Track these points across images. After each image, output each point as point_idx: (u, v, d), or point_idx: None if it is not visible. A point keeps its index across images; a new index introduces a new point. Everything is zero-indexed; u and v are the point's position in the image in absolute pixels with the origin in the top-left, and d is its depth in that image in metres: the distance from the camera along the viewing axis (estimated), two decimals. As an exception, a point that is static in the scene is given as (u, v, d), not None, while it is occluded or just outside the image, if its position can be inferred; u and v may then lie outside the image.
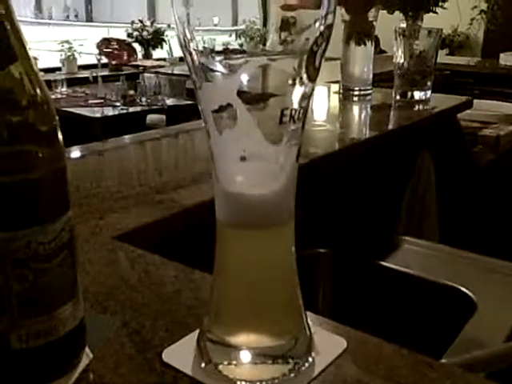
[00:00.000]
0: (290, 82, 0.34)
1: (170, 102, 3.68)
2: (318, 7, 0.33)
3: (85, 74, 4.22)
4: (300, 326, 0.40)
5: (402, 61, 1.43)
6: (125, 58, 4.70)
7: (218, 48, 0.34)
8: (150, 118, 3.48)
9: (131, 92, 3.68)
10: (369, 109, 1.43)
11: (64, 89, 3.83)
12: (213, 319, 0.40)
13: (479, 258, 0.95)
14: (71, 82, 3.97)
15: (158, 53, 5.07)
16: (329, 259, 0.97)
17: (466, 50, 4.75)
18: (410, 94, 1.43)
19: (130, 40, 4.91)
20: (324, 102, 1.55)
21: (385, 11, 1.72)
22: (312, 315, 0.45)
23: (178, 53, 4.31)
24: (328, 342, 0.42)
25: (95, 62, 4.53)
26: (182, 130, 1.19)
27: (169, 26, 4.64)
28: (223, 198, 0.38)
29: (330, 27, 0.33)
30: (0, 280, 0.34)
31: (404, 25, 1.83)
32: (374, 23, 1.45)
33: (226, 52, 0.34)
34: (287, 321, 0.40)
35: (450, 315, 0.83)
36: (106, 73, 4.29)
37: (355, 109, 1.46)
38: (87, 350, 0.41)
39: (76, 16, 15.27)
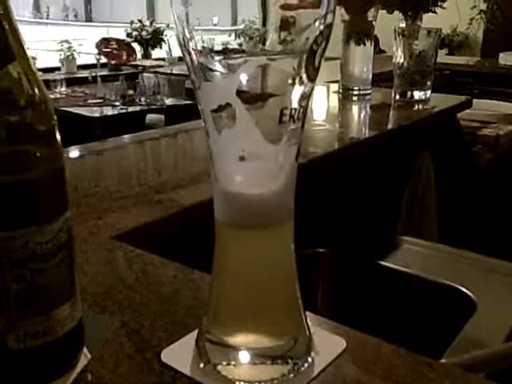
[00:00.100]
0: (290, 81, 0.34)
1: (169, 101, 3.67)
2: (317, 7, 0.33)
3: (84, 73, 4.22)
4: (299, 326, 0.40)
5: (401, 60, 1.43)
6: (124, 57, 4.70)
7: (217, 48, 0.34)
8: (149, 117, 3.48)
9: (130, 92, 3.68)
10: (368, 108, 1.43)
11: (63, 88, 3.82)
12: (211, 319, 0.40)
13: (479, 257, 0.94)
14: (70, 82, 3.97)
15: (157, 53, 5.07)
16: (328, 259, 0.97)
17: (465, 50, 4.75)
18: (409, 93, 1.43)
19: (129, 40, 4.91)
20: (323, 102, 1.55)
21: (384, 11, 1.72)
22: (311, 315, 0.45)
23: (177, 53, 4.31)
24: (327, 342, 0.42)
25: (94, 61, 4.53)
26: (181, 129, 1.19)
27: (168, 25, 4.64)
28: (222, 197, 0.38)
29: (329, 26, 0.33)
30: (-3, 280, 0.34)
31: (403, 25, 1.83)
32: (374, 23, 1.44)
33: (226, 52, 0.34)
34: (286, 321, 0.40)
35: (450, 315, 0.83)
36: (105, 72, 4.29)
37: (355, 108, 1.46)
38: (85, 350, 0.40)
39: (75, 16, 15.27)
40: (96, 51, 4.64)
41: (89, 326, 0.41)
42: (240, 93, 0.34)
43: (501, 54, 3.08)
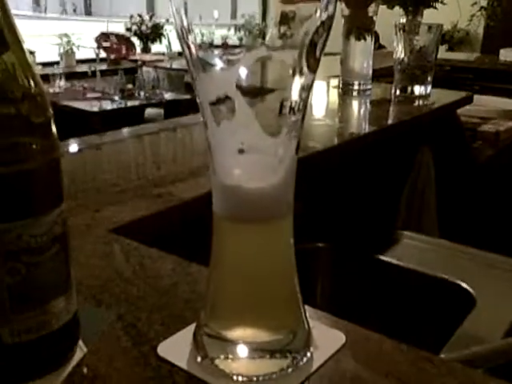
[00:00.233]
0: (290, 72, 0.33)
1: (168, 96, 3.67)
2: (317, 0, 0.33)
3: (83, 68, 4.21)
4: (298, 321, 0.40)
5: (402, 56, 1.42)
6: (123, 52, 4.69)
7: (217, 41, 0.34)
8: (148, 112, 3.47)
9: (129, 86, 3.67)
10: (368, 104, 1.42)
11: (62, 83, 3.81)
12: (209, 313, 0.39)
13: (479, 253, 0.94)
14: (69, 76, 3.96)
15: (156, 47, 5.06)
16: (328, 253, 0.97)
17: (465, 46, 4.74)
18: (410, 89, 1.42)
19: (128, 34, 4.89)
20: (323, 97, 1.54)
21: (384, 6, 1.71)
22: (310, 309, 0.44)
23: (176, 47, 4.30)
24: (326, 337, 0.42)
25: (94, 56, 4.51)
26: (180, 123, 1.18)
27: (167, 20, 4.62)
28: (220, 190, 0.37)
29: (331, 18, 0.33)
30: (-9, 273, 0.34)
31: (404, 20, 1.82)
32: (374, 18, 1.44)
33: (225, 46, 0.34)
34: (285, 315, 0.40)
35: (449, 310, 0.83)
36: (104, 67, 4.28)
37: (355, 104, 1.45)
38: (81, 343, 0.40)
39: (74, 10, 15.23)
40: (95, 45, 4.63)
41: (85, 319, 0.41)
42: (239, 84, 0.33)
43: (501, 51, 3.08)
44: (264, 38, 0.33)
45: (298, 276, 0.40)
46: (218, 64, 0.34)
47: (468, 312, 0.76)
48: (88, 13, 15.08)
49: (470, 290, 0.82)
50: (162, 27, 4.89)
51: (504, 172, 1.57)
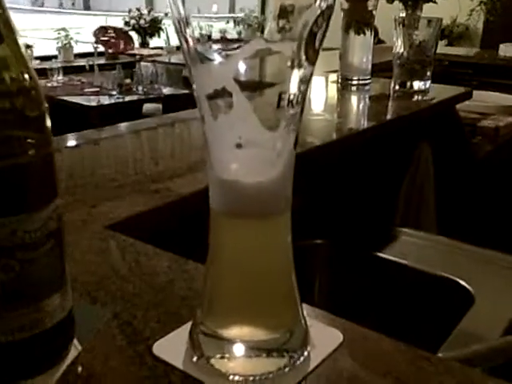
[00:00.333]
0: (289, 64, 0.33)
1: (166, 91, 3.65)
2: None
3: (81, 62, 4.19)
4: (296, 319, 0.39)
5: (401, 50, 1.41)
6: (121, 46, 4.67)
7: (215, 35, 0.33)
8: (147, 107, 3.46)
9: (127, 81, 3.66)
10: (367, 99, 1.42)
11: (60, 77, 3.79)
12: (205, 311, 0.38)
13: (477, 250, 0.94)
14: (67, 71, 3.94)
15: (155, 41, 5.04)
16: (326, 250, 0.97)
17: (465, 41, 4.73)
18: (409, 83, 1.41)
19: (126, 28, 4.87)
20: (322, 92, 1.54)
21: (384, 0, 1.70)
22: (308, 307, 0.44)
23: (175, 41, 4.28)
24: (324, 335, 0.41)
25: (92, 50, 4.50)
26: (178, 118, 1.18)
27: (166, 14, 4.60)
28: (218, 185, 0.37)
29: (330, 7, 0.32)
30: (-16, 270, 0.33)
31: (403, 14, 1.82)
32: (374, 12, 1.43)
33: (224, 40, 0.33)
34: (283, 313, 0.39)
35: (448, 308, 0.82)
36: (102, 61, 4.26)
37: (353, 99, 1.45)
38: (76, 341, 0.39)
39: (73, 4, 15.17)
40: (93, 40, 4.61)
41: (80, 316, 0.40)
42: (237, 77, 0.33)
43: (501, 46, 3.07)
44: (263, 31, 0.33)
45: (295, 273, 0.39)
46: (216, 57, 0.33)
47: (466, 309, 0.76)
48: (86, 7, 15.02)
49: (469, 287, 0.81)
50: (161, 21, 4.87)
51: (503, 167, 1.57)
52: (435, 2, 1.97)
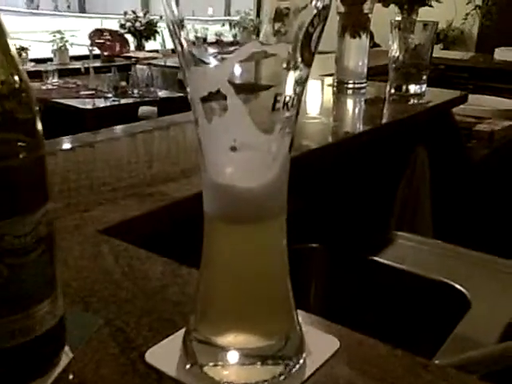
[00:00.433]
0: (285, 66, 0.32)
1: (162, 93, 3.65)
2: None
3: (76, 65, 4.19)
4: (291, 325, 0.38)
5: (397, 54, 1.41)
6: (117, 49, 4.66)
7: (210, 37, 0.33)
8: (142, 109, 3.45)
9: (123, 83, 3.65)
10: (363, 102, 1.41)
11: (55, 80, 3.79)
12: (199, 318, 0.38)
13: (474, 253, 0.93)
14: (63, 73, 3.94)
15: (150, 44, 5.03)
16: (321, 254, 0.96)
17: (460, 46, 4.74)
18: (404, 87, 1.41)
19: (122, 31, 4.87)
20: (318, 95, 1.53)
21: (379, 4, 1.70)
22: (303, 313, 0.43)
23: (170, 44, 4.28)
24: (320, 342, 0.40)
25: (87, 53, 4.49)
26: (174, 121, 1.17)
27: (161, 17, 4.59)
28: (212, 189, 0.36)
29: (326, 8, 0.31)
30: (-28, 275, 0.32)
31: (399, 18, 1.82)
32: (370, 15, 1.43)
33: (219, 43, 0.33)
34: (278, 319, 0.39)
35: (444, 312, 0.82)
36: (97, 64, 4.26)
37: (349, 102, 1.44)
38: (67, 349, 0.39)
39: (68, 7, 15.14)
40: (89, 42, 4.60)
41: (71, 323, 0.39)
42: (232, 79, 0.32)
43: (496, 50, 3.08)
44: (258, 34, 0.33)
45: (290, 278, 0.38)
46: (211, 60, 0.33)
47: (463, 314, 0.75)
48: (82, 10, 15.00)
49: (465, 291, 0.81)
50: (156, 24, 4.87)
51: (498, 171, 1.57)
52: (431, 6, 1.98)
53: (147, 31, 4.89)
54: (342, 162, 1.10)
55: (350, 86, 1.44)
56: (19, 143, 0.34)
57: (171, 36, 0.34)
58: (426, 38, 1.40)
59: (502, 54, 3.01)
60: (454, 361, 0.58)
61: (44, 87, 3.63)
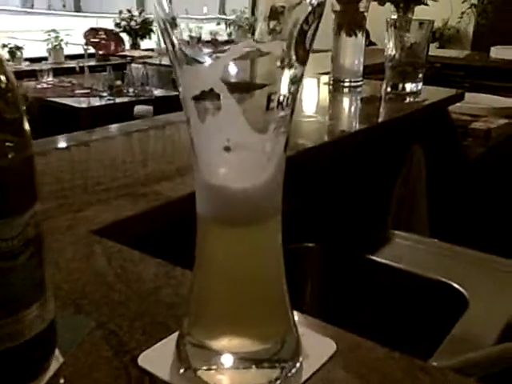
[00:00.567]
0: (279, 64, 0.31)
1: (157, 92, 3.64)
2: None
3: (71, 63, 4.18)
4: (287, 328, 0.38)
5: (393, 52, 1.40)
6: (112, 48, 4.65)
7: (205, 36, 0.32)
8: (138, 108, 3.44)
9: (118, 82, 3.64)
10: (359, 101, 1.41)
11: (50, 78, 3.77)
12: (193, 321, 0.37)
13: (471, 252, 0.93)
14: (57, 72, 3.93)
15: (146, 43, 5.02)
16: (317, 254, 0.95)
17: (455, 44, 4.74)
18: (401, 85, 1.40)
19: (117, 30, 4.85)
20: (313, 94, 1.53)
21: (375, 3, 1.70)
22: (300, 315, 0.42)
23: (166, 43, 4.26)
24: (317, 345, 0.40)
25: (82, 52, 4.48)
26: (169, 120, 1.16)
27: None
28: (205, 190, 0.35)
29: (321, 5, 0.31)
30: (-41, 279, 0.32)
31: (395, 16, 1.81)
32: (365, 14, 1.42)
33: (214, 42, 0.32)
34: (273, 322, 0.38)
35: (442, 311, 0.81)
36: (92, 63, 4.25)
37: (345, 100, 1.44)
38: (57, 353, 0.38)
39: (63, 6, 15.09)
40: (84, 41, 4.58)
41: (63, 326, 0.38)
42: (225, 78, 0.31)
43: (492, 48, 3.07)
44: (253, 33, 0.32)
45: (286, 279, 0.38)
46: (206, 59, 0.32)
47: (461, 313, 0.75)
48: (77, 9, 14.95)
49: (463, 290, 0.80)
50: (152, 23, 4.85)
51: (494, 169, 1.57)
52: (427, 5, 1.97)
53: (142, 30, 4.88)
54: (338, 160, 1.09)
55: (346, 84, 1.44)
56: (7, 143, 0.33)
57: (162, 34, 0.33)
58: (421, 36, 1.40)
59: (498, 52, 3.01)
60: (452, 363, 0.57)
61: (39, 86, 3.62)
